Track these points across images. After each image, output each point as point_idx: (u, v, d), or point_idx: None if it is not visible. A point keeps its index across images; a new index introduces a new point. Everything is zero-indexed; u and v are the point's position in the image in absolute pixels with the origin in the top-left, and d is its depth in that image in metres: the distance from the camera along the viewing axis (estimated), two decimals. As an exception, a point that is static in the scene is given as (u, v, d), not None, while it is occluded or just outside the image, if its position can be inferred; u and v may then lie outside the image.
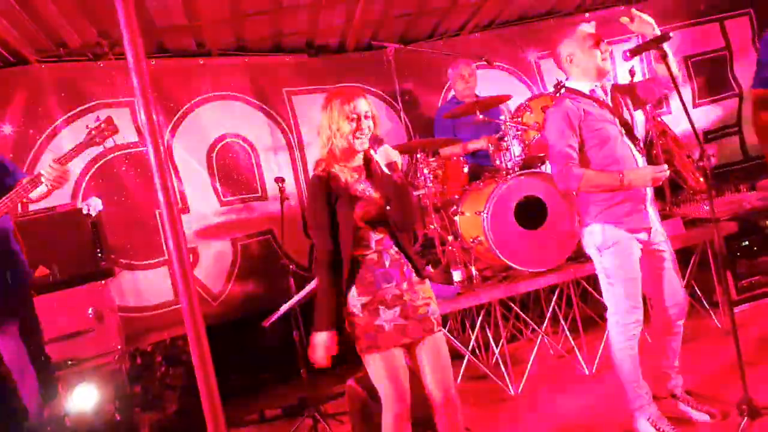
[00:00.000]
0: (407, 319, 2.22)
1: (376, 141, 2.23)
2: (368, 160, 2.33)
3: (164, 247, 4.23)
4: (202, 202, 4.54)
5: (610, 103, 2.71)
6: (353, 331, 2.24)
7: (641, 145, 2.75)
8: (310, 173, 5.00)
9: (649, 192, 2.71)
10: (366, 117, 2.25)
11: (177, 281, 1.04)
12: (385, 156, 2.18)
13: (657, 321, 2.80)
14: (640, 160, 2.70)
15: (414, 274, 2.28)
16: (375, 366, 2.21)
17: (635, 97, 2.84)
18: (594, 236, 2.69)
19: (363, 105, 2.26)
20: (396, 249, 2.26)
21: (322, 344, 2.23)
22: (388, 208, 2.24)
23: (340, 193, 2.26)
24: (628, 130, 2.70)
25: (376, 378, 2.22)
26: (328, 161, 2.30)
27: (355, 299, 2.23)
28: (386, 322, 2.20)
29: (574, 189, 2.67)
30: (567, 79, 2.79)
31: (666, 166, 2.60)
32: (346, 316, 2.26)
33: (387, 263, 2.24)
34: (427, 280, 2.32)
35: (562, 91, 2.80)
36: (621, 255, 2.64)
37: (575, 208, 3.57)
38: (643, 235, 2.67)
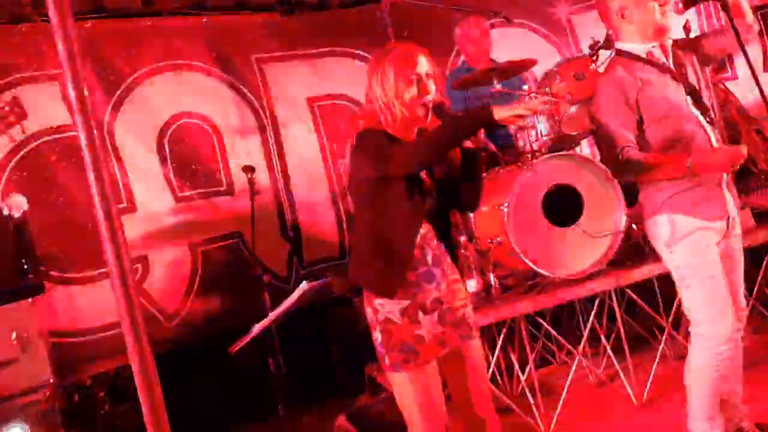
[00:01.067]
0: (444, 325, 2.29)
1: (441, 110, 2.23)
2: (438, 107, 2.30)
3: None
4: (153, 198, 4.52)
5: (672, 66, 2.72)
6: (387, 341, 2.26)
7: (712, 114, 2.75)
8: (287, 159, 5.06)
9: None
10: (428, 77, 2.27)
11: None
12: None
13: None
14: (712, 134, 2.70)
15: (450, 272, 2.35)
16: (407, 387, 2.25)
17: (702, 55, 2.83)
18: (661, 229, 2.69)
19: (424, 63, 2.27)
20: (437, 242, 2.32)
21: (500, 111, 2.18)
22: (438, 199, 2.29)
23: None
24: (696, 97, 2.70)
25: (407, 402, 2.26)
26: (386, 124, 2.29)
27: (392, 303, 2.26)
28: (426, 331, 2.26)
29: (632, 176, 2.69)
30: (616, 39, 2.79)
31: (745, 148, 2.58)
32: (378, 325, 2.28)
33: (429, 260, 2.29)
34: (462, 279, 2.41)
35: (606, 53, 2.80)
36: (696, 248, 2.64)
37: (623, 200, 3.57)
38: (720, 225, 2.68)
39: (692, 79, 2.73)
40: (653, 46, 2.70)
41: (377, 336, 2.29)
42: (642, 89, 2.63)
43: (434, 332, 2.27)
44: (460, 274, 2.41)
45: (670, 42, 2.77)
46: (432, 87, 2.27)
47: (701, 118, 2.68)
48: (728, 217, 2.69)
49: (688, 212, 2.63)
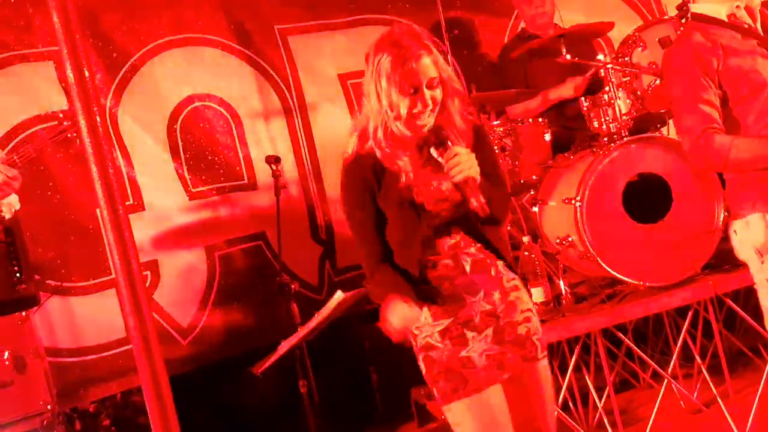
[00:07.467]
0: (503, 343, 2.27)
1: (438, 142, 2.22)
2: (436, 132, 2.29)
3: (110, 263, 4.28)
4: (163, 195, 4.58)
5: (761, 30, 2.66)
6: (430, 370, 2.28)
7: None
8: (318, 147, 5.07)
9: None
10: (430, 87, 2.22)
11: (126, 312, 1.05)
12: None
13: None
14: None
15: (505, 278, 2.34)
16: (463, 420, 2.25)
17: None
18: (752, 232, 2.66)
19: (427, 68, 2.21)
20: (478, 245, 2.33)
21: (397, 312, 2.20)
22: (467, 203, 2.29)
23: (392, 186, 2.27)
24: None
25: None
26: (376, 140, 2.30)
27: (428, 325, 2.27)
28: (476, 353, 2.24)
29: (717, 167, 2.64)
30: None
31: None
32: (419, 353, 2.31)
33: (468, 267, 2.29)
34: (521, 283, 2.41)
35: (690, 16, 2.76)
36: None
37: (721, 191, 3.52)
38: None
39: None
40: (737, 6, 2.65)
41: (421, 366, 2.31)
42: (725, 59, 2.59)
43: (489, 353, 2.25)
44: (520, 279, 2.41)
45: (758, 1, 2.72)
46: (431, 97, 2.22)
47: None
48: None
49: None
